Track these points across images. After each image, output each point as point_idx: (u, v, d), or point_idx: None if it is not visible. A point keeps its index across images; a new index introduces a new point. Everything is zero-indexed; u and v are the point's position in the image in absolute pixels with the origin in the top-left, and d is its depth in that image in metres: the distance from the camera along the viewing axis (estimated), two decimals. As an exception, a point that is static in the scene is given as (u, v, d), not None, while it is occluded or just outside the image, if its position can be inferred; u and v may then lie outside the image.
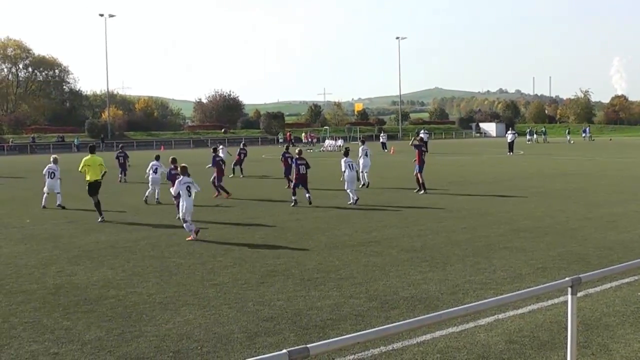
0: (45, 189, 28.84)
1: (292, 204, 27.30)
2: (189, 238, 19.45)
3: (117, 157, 43.35)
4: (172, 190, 20.44)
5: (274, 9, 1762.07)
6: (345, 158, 28.30)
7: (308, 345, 5.29)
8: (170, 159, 25.74)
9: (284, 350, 5.09)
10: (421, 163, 31.79)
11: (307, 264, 15.70)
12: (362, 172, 34.37)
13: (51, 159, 29.88)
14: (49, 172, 28.97)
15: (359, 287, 13.47)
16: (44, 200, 28.15)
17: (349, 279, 14.18)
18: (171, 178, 23.43)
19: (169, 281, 14.21)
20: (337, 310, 11.79)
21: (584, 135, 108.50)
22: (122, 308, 12.17)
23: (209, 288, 13.54)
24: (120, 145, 51.63)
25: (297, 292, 13.09)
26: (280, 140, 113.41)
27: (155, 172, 30.12)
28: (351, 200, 27.03)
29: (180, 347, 9.95)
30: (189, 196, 19.91)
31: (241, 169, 44.66)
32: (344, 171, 27.96)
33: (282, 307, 12.07)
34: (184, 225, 19.83)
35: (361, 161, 35.19)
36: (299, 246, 18.07)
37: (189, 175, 20.32)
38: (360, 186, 32.69)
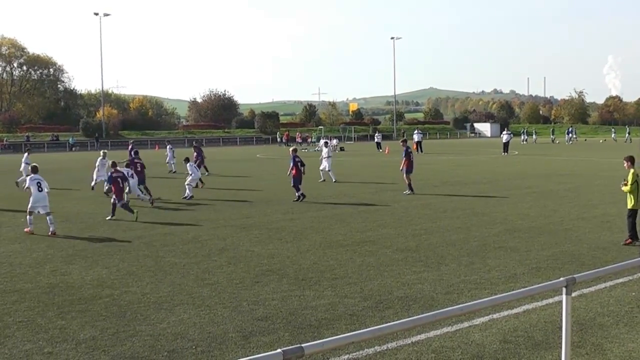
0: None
1: (298, 199, 28.40)
2: (26, 230, 20.79)
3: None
4: (25, 185, 22.36)
5: (269, 8, 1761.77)
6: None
7: (303, 345, 5.30)
8: (110, 163, 26.90)
9: (279, 350, 5.10)
10: (409, 166, 31.79)
11: (302, 264, 15.71)
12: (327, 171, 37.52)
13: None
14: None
15: (353, 286, 13.48)
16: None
17: (344, 278, 14.19)
18: (111, 181, 24.88)
19: (164, 280, 14.20)
20: (331, 310, 11.80)
21: (568, 135, 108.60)
22: (116, 307, 12.16)
23: (203, 287, 13.54)
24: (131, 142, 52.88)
25: (292, 292, 13.09)
26: (279, 140, 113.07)
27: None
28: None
29: (174, 347, 9.95)
30: (39, 191, 20.87)
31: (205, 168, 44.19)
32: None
33: (277, 306, 12.08)
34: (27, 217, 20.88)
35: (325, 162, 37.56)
36: (293, 246, 18.07)
37: (38, 173, 21.70)
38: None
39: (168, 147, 51.40)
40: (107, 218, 23.68)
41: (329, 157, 38.12)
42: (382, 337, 9.47)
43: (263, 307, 12.02)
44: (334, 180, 37.09)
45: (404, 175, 31.65)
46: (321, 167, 38.00)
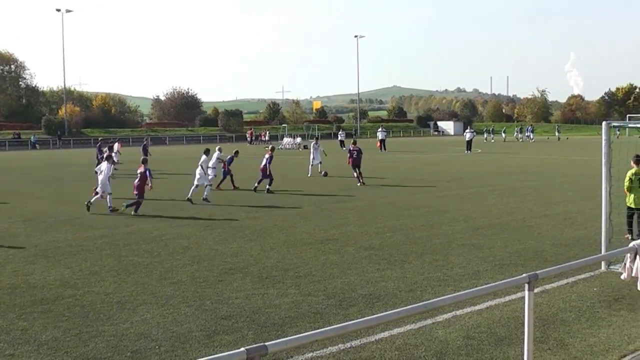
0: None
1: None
2: None
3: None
4: None
5: (232, 5, 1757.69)
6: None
7: (266, 344, 5.29)
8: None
9: (242, 349, 5.08)
10: (356, 162, 35.43)
11: (266, 262, 15.68)
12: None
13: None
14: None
15: (317, 284, 13.48)
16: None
17: (308, 276, 14.18)
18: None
19: (127, 280, 14.10)
20: (295, 308, 11.79)
21: (527, 134, 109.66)
22: (79, 308, 12.04)
23: (167, 287, 13.46)
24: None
25: (256, 290, 13.06)
26: (249, 139, 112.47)
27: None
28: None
29: (138, 347, 9.88)
30: None
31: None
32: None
33: (241, 305, 12.04)
34: None
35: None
36: (257, 244, 18.02)
37: None
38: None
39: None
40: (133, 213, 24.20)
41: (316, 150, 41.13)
42: (345, 335, 9.49)
43: (227, 306, 11.98)
44: (314, 172, 39.81)
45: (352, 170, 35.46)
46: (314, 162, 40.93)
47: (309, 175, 40.08)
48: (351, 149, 36.23)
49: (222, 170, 33.53)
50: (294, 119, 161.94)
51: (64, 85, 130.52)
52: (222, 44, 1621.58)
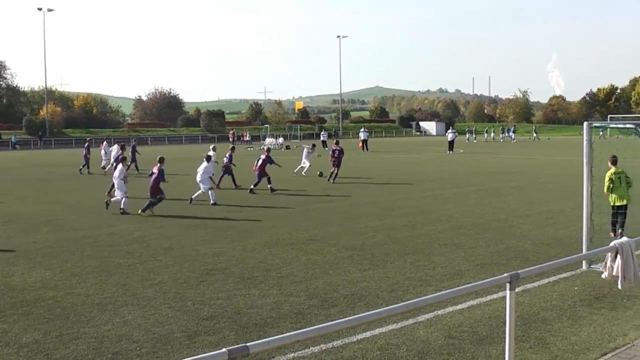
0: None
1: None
2: None
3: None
4: None
5: (215, 5, 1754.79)
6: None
7: (248, 344, 5.26)
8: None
9: (224, 349, 5.06)
10: (337, 161, 37.04)
11: (248, 263, 15.65)
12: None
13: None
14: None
15: (299, 285, 13.47)
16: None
17: (289, 277, 14.16)
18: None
19: (108, 281, 14.02)
20: (277, 309, 11.77)
21: (508, 134, 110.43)
22: (60, 310, 11.96)
23: (148, 288, 13.41)
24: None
25: (237, 291, 13.03)
26: (232, 139, 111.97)
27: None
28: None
29: (119, 349, 9.83)
30: None
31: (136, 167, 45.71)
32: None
33: (222, 305, 12.01)
34: None
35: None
36: (239, 244, 17.99)
37: None
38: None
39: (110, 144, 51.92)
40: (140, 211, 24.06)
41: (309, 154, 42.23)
42: (327, 335, 9.47)
43: (208, 307, 11.95)
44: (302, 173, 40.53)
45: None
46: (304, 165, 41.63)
47: (293, 172, 40.61)
48: (333, 148, 37.40)
49: (222, 168, 34.17)
50: (276, 119, 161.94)
51: (45, 85, 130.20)
52: (204, 44, 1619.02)
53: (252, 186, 31.39)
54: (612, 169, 18.14)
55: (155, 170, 25.05)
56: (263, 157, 32.42)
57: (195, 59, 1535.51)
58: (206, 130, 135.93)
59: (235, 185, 33.55)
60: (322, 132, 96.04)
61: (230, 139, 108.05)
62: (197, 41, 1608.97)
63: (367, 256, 16.22)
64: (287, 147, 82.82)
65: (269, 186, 31.05)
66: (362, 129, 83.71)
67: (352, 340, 9.95)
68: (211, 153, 32.64)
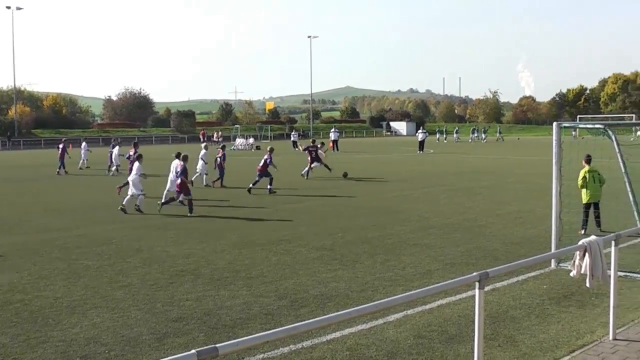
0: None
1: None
2: None
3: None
4: None
5: (185, 5, 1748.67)
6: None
7: (217, 345, 5.22)
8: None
9: (193, 351, 5.02)
10: (316, 158, 38.80)
11: (217, 263, 15.58)
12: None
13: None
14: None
15: (268, 285, 13.43)
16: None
17: (259, 277, 14.12)
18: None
19: (77, 284, 13.89)
20: (246, 310, 11.72)
21: (475, 135, 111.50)
22: (27, 313, 11.81)
23: (117, 290, 13.29)
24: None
25: (207, 292, 12.97)
26: (202, 140, 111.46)
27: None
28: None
29: (87, 352, 9.73)
30: None
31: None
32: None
33: (192, 307, 11.94)
34: None
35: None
36: (209, 245, 17.91)
37: None
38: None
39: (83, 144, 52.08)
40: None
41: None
42: (297, 335, 9.42)
43: (178, 308, 11.87)
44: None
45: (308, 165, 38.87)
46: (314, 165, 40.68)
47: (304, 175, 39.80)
48: (310, 148, 39.15)
49: (216, 167, 34.71)
50: (246, 119, 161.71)
51: (14, 85, 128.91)
52: (175, 44, 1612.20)
53: (251, 185, 31.39)
54: (586, 167, 19.20)
55: (179, 168, 25.14)
56: (266, 156, 32.26)
57: (166, 59, 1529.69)
58: (176, 130, 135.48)
59: (213, 183, 33.80)
60: (293, 133, 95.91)
61: (201, 140, 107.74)
62: (168, 41, 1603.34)
63: (337, 256, 16.22)
64: (258, 148, 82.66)
65: (268, 187, 30.87)
66: (332, 129, 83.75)
67: (322, 341, 9.93)
68: (203, 152, 33.14)
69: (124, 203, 24.60)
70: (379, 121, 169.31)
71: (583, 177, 19.19)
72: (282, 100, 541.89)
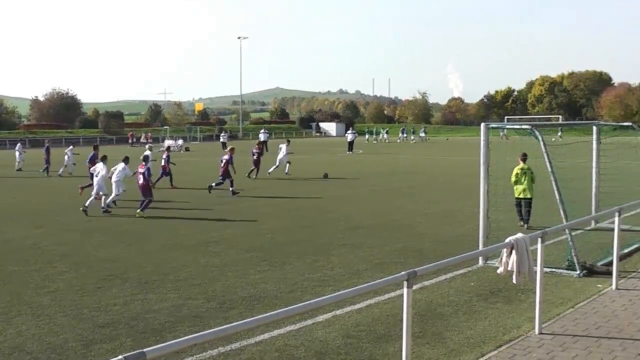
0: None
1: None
2: None
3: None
4: None
5: (111, 4, 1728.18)
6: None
7: (144, 350, 5.15)
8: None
9: (120, 356, 4.94)
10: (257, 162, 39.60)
11: (145, 267, 15.39)
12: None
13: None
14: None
15: (197, 288, 13.33)
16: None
17: (188, 280, 14.00)
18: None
19: (1, 290, 13.55)
20: (175, 313, 11.61)
21: (403, 135, 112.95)
22: (-51, 321, 11.51)
23: (43, 296, 13.02)
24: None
25: (135, 296, 12.80)
26: (130, 141, 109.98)
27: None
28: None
29: (11, 360, 9.52)
30: None
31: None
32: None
33: (119, 312, 11.77)
34: None
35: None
36: (137, 249, 17.70)
37: None
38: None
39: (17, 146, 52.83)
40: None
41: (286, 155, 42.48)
42: (225, 337, 9.36)
43: (105, 313, 11.69)
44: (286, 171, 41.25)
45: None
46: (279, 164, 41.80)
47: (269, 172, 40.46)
48: (254, 151, 40.11)
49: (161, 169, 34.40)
50: (176, 121, 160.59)
51: None
52: (102, 43, 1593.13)
53: (212, 184, 31.20)
54: (520, 165, 20.49)
55: (140, 169, 24.83)
56: (226, 157, 31.70)
57: (94, 58, 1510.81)
58: (104, 131, 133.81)
59: (172, 185, 33.70)
60: (222, 134, 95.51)
61: (130, 141, 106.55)
62: (94, 40, 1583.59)
63: (266, 257, 16.18)
64: (187, 149, 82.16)
65: (230, 189, 30.20)
66: (262, 131, 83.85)
67: (251, 342, 9.88)
68: (148, 153, 32.76)
69: (86, 205, 24.33)
70: (309, 122, 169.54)
71: (516, 173, 20.39)
72: (211, 101, 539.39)
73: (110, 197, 25.08)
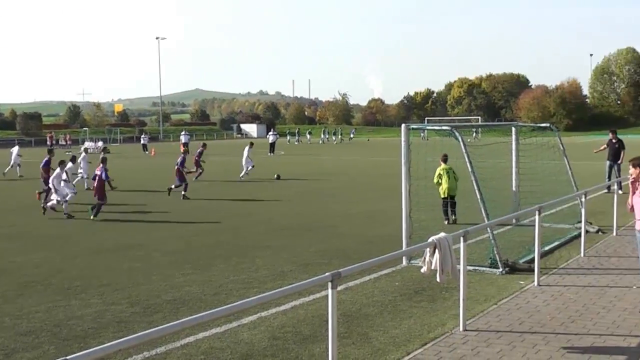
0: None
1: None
2: None
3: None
4: None
5: (27, 2, 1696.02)
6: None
7: (67, 357, 5.10)
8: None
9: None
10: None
11: (69, 272, 15.16)
12: None
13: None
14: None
15: (121, 292, 13.19)
16: None
17: (111, 285, 13.84)
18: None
19: None
20: (99, 319, 11.46)
21: (325, 136, 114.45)
22: None
23: (-40, 305, 12.71)
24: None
25: (57, 302, 12.59)
26: (50, 143, 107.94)
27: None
28: None
29: None
30: None
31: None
32: None
33: (42, 319, 11.55)
34: None
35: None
36: (59, 253, 17.42)
37: None
38: None
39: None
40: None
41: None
42: (150, 342, 9.28)
43: (27, 321, 11.45)
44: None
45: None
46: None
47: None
48: (199, 151, 40.22)
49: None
50: (95, 122, 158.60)
51: None
52: (18, 42, 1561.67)
53: (172, 186, 30.77)
54: (442, 165, 21.12)
55: (98, 171, 24.53)
56: (179, 160, 31.20)
57: (10, 57, 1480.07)
58: (22, 133, 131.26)
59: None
60: (143, 135, 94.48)
61: (49, 143, 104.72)
62: (11, 38, 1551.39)
63: (191, 260, 16.10)
64: (107, 151, 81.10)
65: (182, 193, 29.74)
66: (183, 132, 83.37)
67: (176, 346, 9.83)
68: (84, 155, 32.49)
69: (48, 205, 24.32)
70: (230, 123, 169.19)
71: (439, 174, 21.04)
72: (131, 102, 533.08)
73: (54, 201, 24.65)
